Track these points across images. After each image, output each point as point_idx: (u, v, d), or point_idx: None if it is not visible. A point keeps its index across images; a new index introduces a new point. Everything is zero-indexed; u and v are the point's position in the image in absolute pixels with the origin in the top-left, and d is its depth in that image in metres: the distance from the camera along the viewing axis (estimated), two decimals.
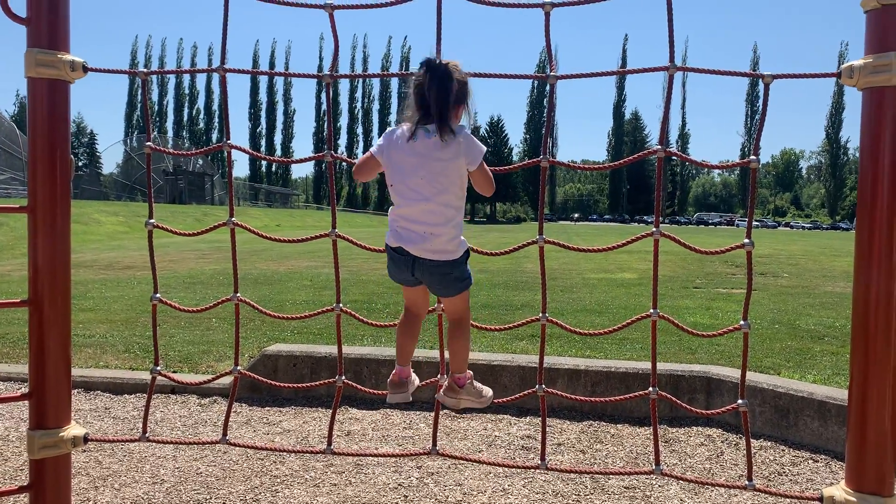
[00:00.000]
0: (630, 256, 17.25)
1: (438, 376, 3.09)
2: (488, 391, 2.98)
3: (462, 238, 2.65)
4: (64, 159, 2.62)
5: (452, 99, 2.52)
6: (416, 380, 2.93)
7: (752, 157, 2.61)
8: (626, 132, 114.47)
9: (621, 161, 2.96)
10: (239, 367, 3.04)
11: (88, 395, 5.66)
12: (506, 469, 4.20)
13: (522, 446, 4.68)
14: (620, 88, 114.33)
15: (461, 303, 2.76)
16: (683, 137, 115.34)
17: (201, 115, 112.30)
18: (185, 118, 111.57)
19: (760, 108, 2.63)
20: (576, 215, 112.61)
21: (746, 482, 2.64)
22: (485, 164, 2.62)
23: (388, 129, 2.67)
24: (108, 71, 2.81)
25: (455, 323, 2.82)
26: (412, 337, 2.85)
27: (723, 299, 10.56)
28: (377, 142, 2.67)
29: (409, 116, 2.60)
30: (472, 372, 2.93)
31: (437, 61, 2.53)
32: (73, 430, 2.67)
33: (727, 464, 4.40)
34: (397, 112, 3.09)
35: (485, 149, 2.58)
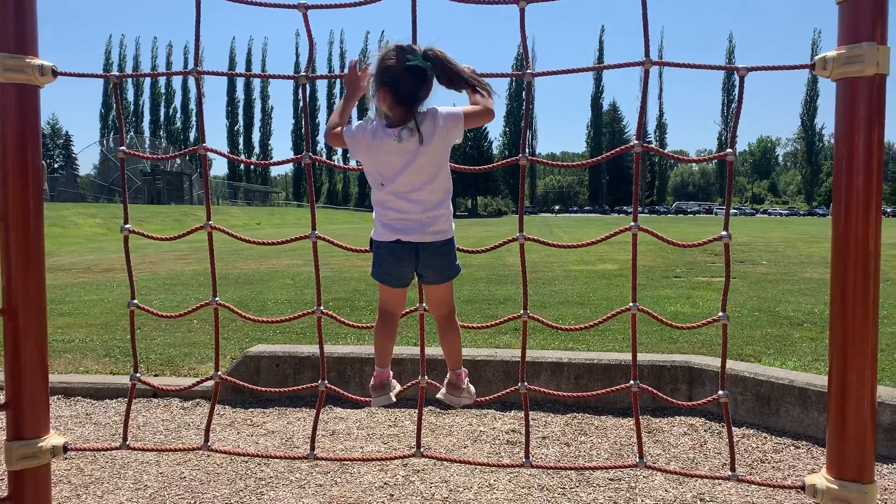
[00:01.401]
0: (611, 248, 17.33)
1: (419, 378, 3.08)
2: (472, 386, 2.98)
3: (451, 217, 2.64)
4: (35, 166, 2.58)
5: (426, 93, 2.48)
6: (395, 384, 2.90)
7: (728, 150, 2.62)
8: (604, 123, 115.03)
9: (599, 157, 2.96)
10: (220, 373, 3.01)
11: (69, 401, 5.59)
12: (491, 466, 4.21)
13: (507, 440, 4.69)
14: (598, 80, 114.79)
15: (449, 291, 2.75)
16: (661, 127, 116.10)
17: (178, 114, 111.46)
18: (162, 117, 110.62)
19: (736, 99, 2.64)
20: (556, 207, 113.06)
21: (729, 472, 2.66)
22: (468, 113, 2.53)
23: (362, 120, 2.59)
24: (79, 75, 2.77)
25: (445, 318, 2.79)
26: (391, 337, 2.82)
27: (703, 288, 10.64)
28: (351, 127, 2.59)
29: (384, 112, 2.52)
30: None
31: (411, 56, 2.44)
32: (52, 439, 2.64)
33: (710, 452, 4.44)
34: (370, 97, 3.00)
35: (460, 111, 2.51)
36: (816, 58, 2.37)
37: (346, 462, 4.24)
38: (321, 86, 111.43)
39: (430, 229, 2.55)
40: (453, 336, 2.80)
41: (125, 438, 2.94)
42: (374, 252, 2.66)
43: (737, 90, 2.61)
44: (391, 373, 2.85)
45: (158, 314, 3.17)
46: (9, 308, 2.55)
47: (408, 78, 2.44)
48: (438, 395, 2.91)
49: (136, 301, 2.99)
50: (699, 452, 4.45)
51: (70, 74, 2.71)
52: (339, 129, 2.63)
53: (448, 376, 2.87)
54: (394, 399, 2.81)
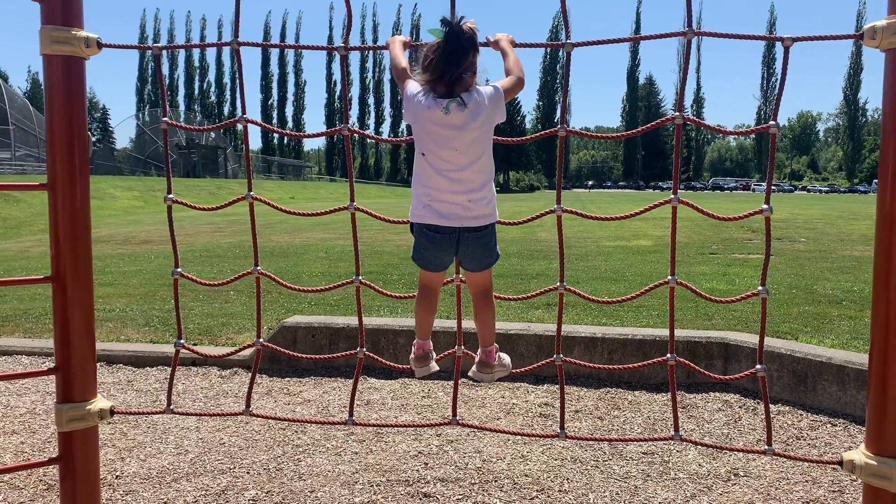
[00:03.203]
0: (645, 224, 17.16)
1: (456, 347, 3.11)
2: (507, 357, 3.00)
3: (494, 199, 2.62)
4: (81, 135, 2.63)
5: (471, 67, 2.46)
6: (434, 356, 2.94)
7: (772, 122, 2.58)
8: (640, 97, 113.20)
9: (638, 129, 2.93)
10: (261, 340, 3.07)
11: (111, 368, 5.74)
12: (524, 436, 4.25)
13: (540, 414, 4.71)
14: (634, 53, 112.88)
15: (488, 274, 2.75)
16: (698, 102, 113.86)
17: (212, 88, 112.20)
18: (197, 91, 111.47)
19: (779, 71, 2.59)
20: (590, 182, 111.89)
21: (766, 447, 2.65)
22: (506, 89, 2.54)
23: (414, 87, 2.53)
24: (123, 46, 2.81)
25: (482, 295, 2.79)
26: (431, 312, 2.84)
27: (739, 265, 10.51)
28: (410, 85, 2.55)
29: (427, 81, 2.50)
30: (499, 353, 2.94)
31: (459, 26, 2.42)
32: (100, 402, 2.72)
33: (745, 429, 4.42)
34: (411, 67, 3.01)
35: (501, 90, 2.51)
36: (865, 27, 2.31)
37: (381, 431, 4.31)
38: (354, 61, 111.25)
39: (472, 213, 2.52)
40: (488, 314, 2.81)
41: (169, 403, 3.02)
42: (415, 235, 2.64)
43: (780, 62, 2.56)
44: (432, 344, 2.89)
45: (202, 282, 3.23)
46: (57, 275, 2.62)
47: (447, 49, 2.42)
48: (469, 373, 2.94)
49: (179, 269, 3.06)
50: (733, 428, 4.43)
51: (115, 46, 2.75)
52: (405, 69, 2.60)
53: (479, 354, 2.89)
54: (436, 367, 2.86)
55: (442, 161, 2.49)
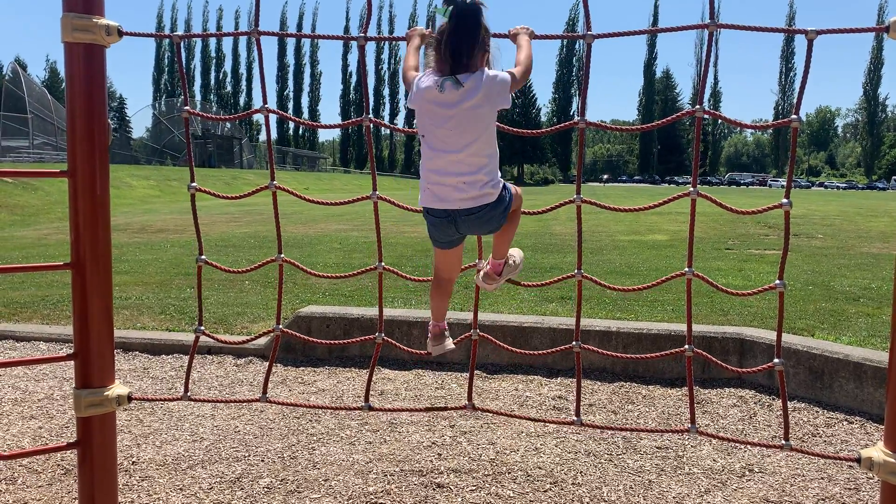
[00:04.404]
0: (661, 218, 17.07)
1: (472, 331, 3.13)
2: (518, 253, 3.04)
3: (499, 179, 2.59)
4: (101, 123, 2.64)
5: (478, 46, 2.46)
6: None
7: (794, 115, 2.55)
8: (657, 91, 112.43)
9: (658, 122, 2.91)
10: (280, 326, 3.09)
11: (127, 355, 5.79)
12: (538, 429, 4.25)
13: (554, 406, 4.71)
14: (651, 46, 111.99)
15: (514, 217, 2.76)
16: (715, 96, 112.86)
17: (228, 79, 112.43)
18: (213, 82, 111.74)
19: (800, 65, 2.56)
20: (605, 176, 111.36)
21: (783, 441, 2.63)
22: (516, 78, 2.53)
23: (417, 74, 2.58)
24: (143, 35, 2.81)
25: (511, 213, 2.77)
26: (446, 298, 2.90)
27: (755, 261, 10.44)
28: (415, 74, 2.60)
29: (434, 63, 2.53)
30: (509, 252, 2.96)
31: (465, 3, 2.43)
32: (118, 389, 2.74)
33: (760, 424, 4.40)
34: (424, 54, 3.02)
35: (507, 77, 2.49)
36: (891, 20, 2.28)
37: (395, 421, 4.32)
38: (369, 52, 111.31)
39: (465, 195, 2.53)
40: (508, 228, 2.79)
41: (186, 390, 3.05)
42: (424, 215, 2.73)
43: (798, 56, 2.53)
44: (447, 325, 2.93)
45: (226, 269, 3.26)
46: (77, 261, 2.64)
47: (451, 29, 2.44)
48: (475, 279, 3.04)
49: (203, 257, 3.08)
50: (748, 424, 4.41)
51: (135, 34, 2.76)
52: (413, 66, 2.65)
53: (490, 262, 2.94)
54: (452, 346, 2.90)
55: (439, 141, 2.51)
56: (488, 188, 2.55)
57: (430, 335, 2.92)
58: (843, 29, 2.41)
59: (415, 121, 2.63)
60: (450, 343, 2.90)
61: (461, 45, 2.44)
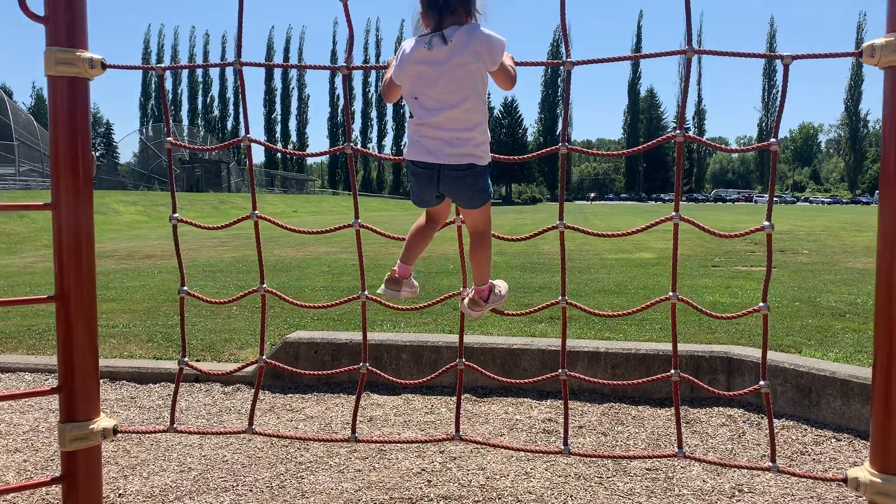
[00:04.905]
0: (648, 236, 17.15)
1: (457, 360, 3.11)
2: (503, 284, 3.05)
3: (488, 153, 2.64)
4: (85, 155, 2.65)
5: (453, 3, 2.47)
6: (415, 284, 2.93)
7: (773, 139, 2.59)
8: (641, 110, 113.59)
9: (639, 147, 2.94)
10: (264, 357, 3.07)
11: (114, 384, 5.74)
12: (528, 453, 4.23)
13: (544, 429, 4.70)
14: (635, 66, 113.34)
15: (483, 215, 2.78)
16: (700, 114, 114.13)
17: (216, 103, 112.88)
18: (200, 106, 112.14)
19: (779, 87, 2.60)
20: (592, 195, 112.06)
21: (770, 463, 2.64)
22: (507, 59, 2.58)
23: (401, 46, 2.65)
24: (127, 67, 2.83)
25: (477, 235, 2.83)
26: (424, 242, 2.88)
27: (742, 277, 10.49)
28: (393, 63, 2.65)
29: (421, 28, 2.59)
30: (491, 282, 2.96)
31: None
32: (103, 422, 2.72)
33: (749, 444, 4.40)
34: (413, 29, 3.09)
35: (504, 41, 2.51)
36: (864, 45, 2.32)
37: (384, 448, 4.30)
38: (357, 75, 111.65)
39: (454, 150, 2.55)
40: (481, 255, 2.84)
41: (172, 421, 3.02)
42: (408, 169, 2.72)
43: (780, 78, 2.57)
44: (411, 271, 2.89)
45: (208, 300, 3.24)
46: (61, 294, 2.62)
47: None
48: (460, 306, 3.02)
49: (185, 288, 3.07)
50: (737, 444, 4.42)
51: (119, 67, 2.77)
52: (389, 76, 2.68)
53: (472, 291, 2.93)
54: (401, 297, 2.85)
55: (432, 100, 2.53)
56: (479, 150, 2.59)
57: (387, 276, 2.84)
58: (817, 54, 2.45)
59: (402, 95, 2.66)
60: (404, 293, 2.85)
61: (443, 2, 2.46)
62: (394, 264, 2.89)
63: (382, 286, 2.85)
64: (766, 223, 2.62)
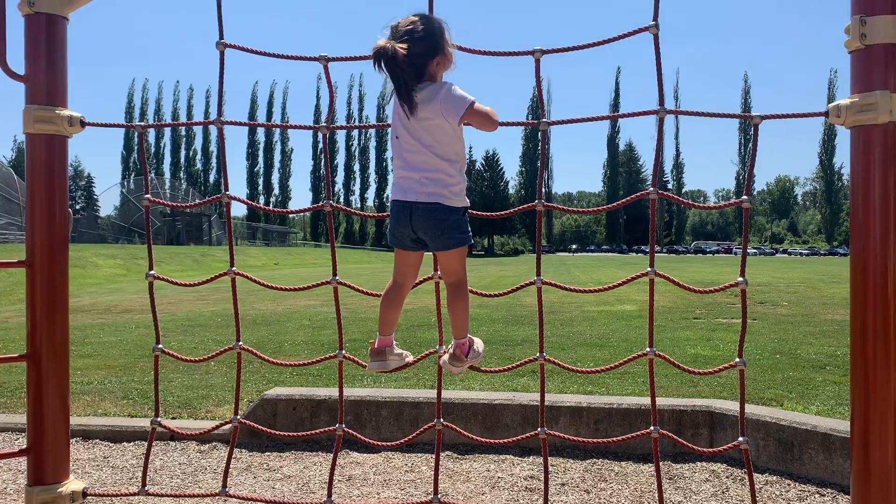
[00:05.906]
0: (630, 288, 17.24)
1: (435, 421, 3.08)
2: (479, 342, 3.07)
3: (462, 194, 2.78)
4: (62, 214, 2.64)
5: (411, 73, 2.66)
6: (406, 355, 3.01)
7: (744, 196, 2.64)
8: (620, 163, 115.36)
9: (615, 204, 2.99)
10: (238, 417, 3.02)
11: (87, 443, 5.60)
12: None
13: (526, 487, 4.63)
14: (614, 121, 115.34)
15: (458, 260, 2.85)
16: (678, 167, 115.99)
17: (198, 156, 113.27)
18: (182, 159, 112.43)
19: (751, 147, 2.66)
20: (573, 247, 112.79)
21: None
22: (476, 107, 2.71)
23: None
24: (106, 125, 2.84)
25: (454, 286, 2.89)
26: (396, 307, 2.93)
27: (723, 330, 10.54)
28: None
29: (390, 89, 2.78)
30: (470, 337, 2.99)
31: (381, 49, 2.63)
32: (72, 485, 2.65)
33: (733, 499, 4.36)
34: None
35: (468, 98, 2.69)
36: (830, 106, 2.39)
37: None
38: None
39: (424, 189, 2.73)
40: (459, 306, 2.89)
41: (144, 484, 2.95)
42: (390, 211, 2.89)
43: (752, 138, 2.63)
44: (393, 340, 2.94)
45: (182, 358, 3.20)
46: (33, 353, 2.58)
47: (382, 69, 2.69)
48: (440, 362, 3.04)
49: (160, 346, 3.03)
50: (721, 500, 4.37)
51: (98, 125, 2.78)
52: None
53: (452, 346, 2.95)
54: (389, 367, 2.90)
55: (407, 143, 2.76)
56: (447, 191, 2.73)
57: (370, 349, 2.90)
58: (786, 114, 2.52)
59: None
60: (391, 363, 2.91)
61: (394, 78, 2.68)
62: (375, 317, 2.90)
63: (369, 361, 2.91)
64: (741, 279, 2.64)
